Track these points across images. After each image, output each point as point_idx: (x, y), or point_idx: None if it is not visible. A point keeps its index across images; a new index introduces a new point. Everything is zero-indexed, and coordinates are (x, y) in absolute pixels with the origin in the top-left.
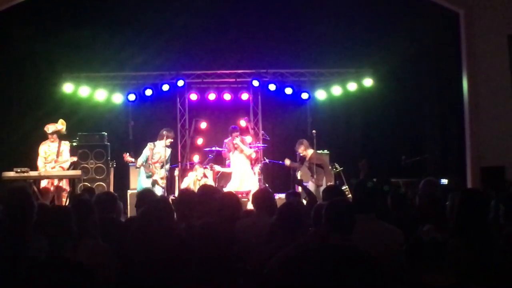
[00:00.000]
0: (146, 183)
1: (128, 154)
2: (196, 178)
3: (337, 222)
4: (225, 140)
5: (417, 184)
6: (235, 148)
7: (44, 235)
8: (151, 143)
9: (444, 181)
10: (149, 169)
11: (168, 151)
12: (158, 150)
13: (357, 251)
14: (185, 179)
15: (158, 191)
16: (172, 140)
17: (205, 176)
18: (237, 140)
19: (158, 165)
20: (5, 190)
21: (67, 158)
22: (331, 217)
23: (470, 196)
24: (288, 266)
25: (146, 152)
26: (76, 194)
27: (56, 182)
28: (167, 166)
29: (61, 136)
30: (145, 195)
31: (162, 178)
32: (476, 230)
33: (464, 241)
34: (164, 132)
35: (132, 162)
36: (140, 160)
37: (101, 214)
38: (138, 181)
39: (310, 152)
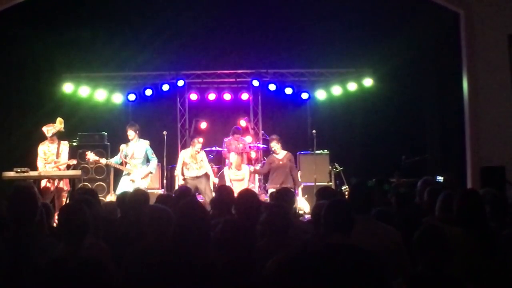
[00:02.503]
0: (124, 182)
1: (91, 152)
2: (195, 151)
3: (337, 222)
4: (225, 140)
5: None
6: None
7: (61, 234)
8: (123, 144)
9: (440, 178)
10: (127, 169)
11: (140, 144)
12: (131, 147)
13: (357, 249)
14: (182, 152)
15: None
16: (134, 133)
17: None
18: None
19: (135, 161)
20: (10, 189)
21: (65, 160)
22: (331, 217)
23: (468, 198)
24: (289, 267)
25: (120, 153)
26: (74, 194)
27: (56, 182)
28: (153, 162)
29: (60, 136)
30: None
31: (143, 178)
32: (476, 224)
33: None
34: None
35: (96, 162)
36: (111, 159)
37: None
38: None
39: (283, 153)
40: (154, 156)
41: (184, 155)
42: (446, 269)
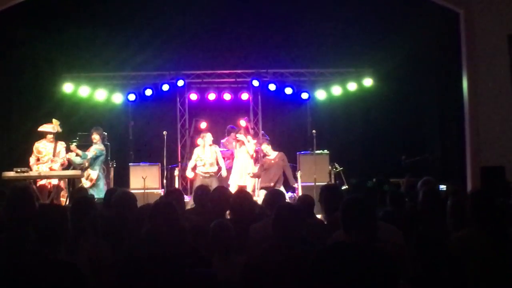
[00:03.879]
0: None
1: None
2: (205, 143)
3: (348, 221)
4: (222, 141)
5: (417, 184)
6: (239, 142)
7: (37, 235)
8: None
9: (443, 187)
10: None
11: (95, 149)
12: (93, 148)
13: (369, 248)
14: (195, 149)
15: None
16: (97, 137)
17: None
18: (241, 136)
19: (86, 163)
20: (7, 189)
21: (63, 157)
22: (343, 215)
23: (481, 200)
24: (303, 265)
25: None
26: (73, 194)
27: (56, 181)
28: (96, 164)
29: (58, 137)
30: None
31: (87, 179)
32: (489, 225)
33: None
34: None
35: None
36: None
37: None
38: None
39: (274, 154)
40: (85, 153)
41: (197, 151)
42: (445, 270)
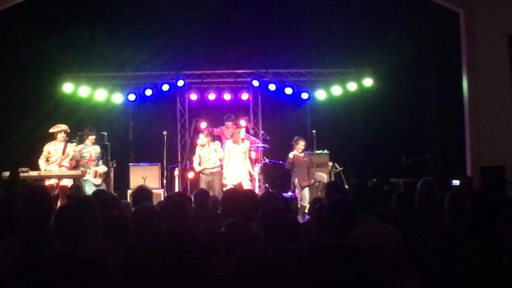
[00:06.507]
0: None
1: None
2: (200, 144)
3: (335, 222)
4: (221, 127)
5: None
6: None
7: (59, 234)
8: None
9: (456, 182)
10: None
11: (97, 148)
12: (88, 149)
13: (351, 250)
14: (197, 148)
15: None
16: (94, 137)
17: (211, 140)
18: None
19: (91, 163)
20: (25, 190)
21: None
22: (330, 217)
23: (481, 200)
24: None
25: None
26: (71, 193)
27: (65, 181)
28: (100, 162)
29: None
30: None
31: (96, 176)
32: (487, 229)
33: (474, 235)
34: (85, 131)
35: None
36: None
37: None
38: None
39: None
40: None
41: (198, 150)
42: (460, 270)
